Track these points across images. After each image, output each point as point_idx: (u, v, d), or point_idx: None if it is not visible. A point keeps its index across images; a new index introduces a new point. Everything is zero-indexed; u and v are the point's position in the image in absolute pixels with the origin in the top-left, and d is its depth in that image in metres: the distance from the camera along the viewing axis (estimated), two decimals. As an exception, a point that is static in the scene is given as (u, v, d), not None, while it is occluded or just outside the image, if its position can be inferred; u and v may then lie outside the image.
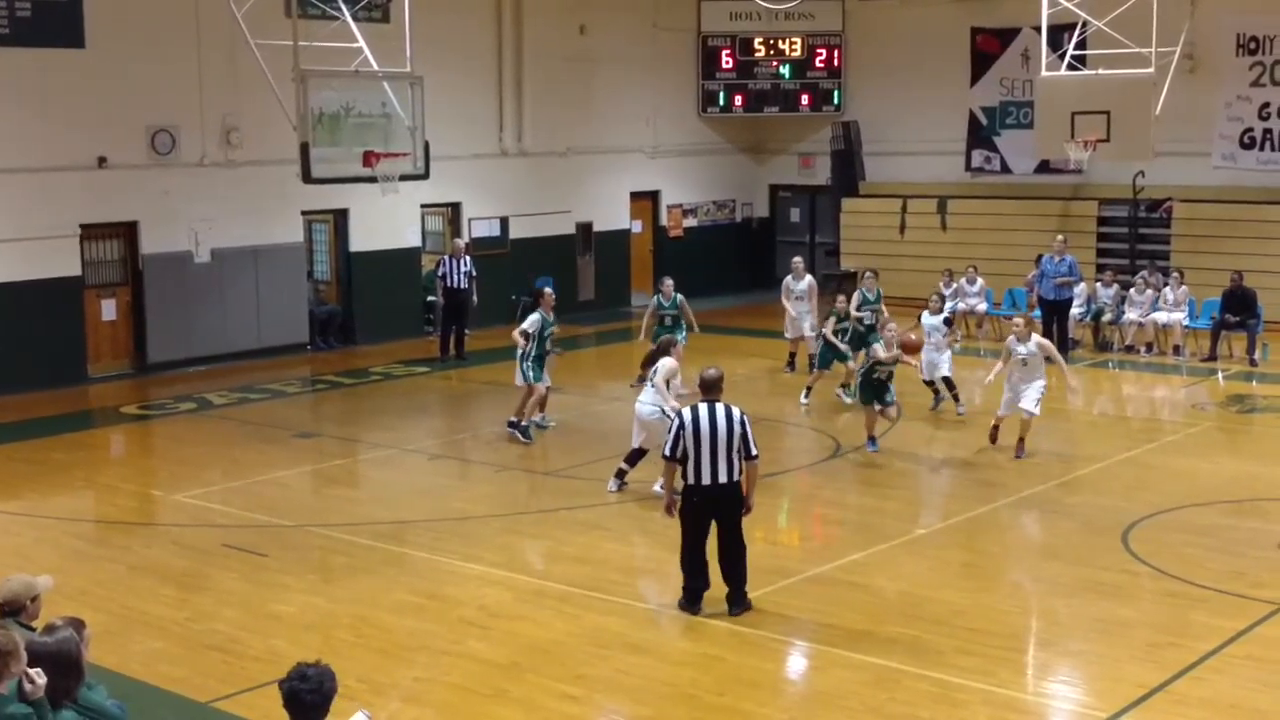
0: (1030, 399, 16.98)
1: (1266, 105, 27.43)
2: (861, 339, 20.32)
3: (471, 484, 17.16)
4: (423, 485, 16.80)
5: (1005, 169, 30.87)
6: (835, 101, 32.83)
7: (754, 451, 11.53)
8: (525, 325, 18.37)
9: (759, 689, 10.49)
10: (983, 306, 26.73)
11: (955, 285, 26.75)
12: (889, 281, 23.47)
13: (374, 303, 26.73)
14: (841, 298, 21.17)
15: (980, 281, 26.79)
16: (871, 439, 17.53)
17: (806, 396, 20.43)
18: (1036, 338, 17.36)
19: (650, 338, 20.92)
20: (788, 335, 23.18)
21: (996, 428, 17.52)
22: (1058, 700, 10.38)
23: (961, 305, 26.32)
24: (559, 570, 13.18)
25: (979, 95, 30.99)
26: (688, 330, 21.19)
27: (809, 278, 23.33)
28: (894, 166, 31.97)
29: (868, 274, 22.02)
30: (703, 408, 11.60)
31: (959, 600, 12.21)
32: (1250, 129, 27.67)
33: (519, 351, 18.39)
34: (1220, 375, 23.09)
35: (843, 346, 20.49)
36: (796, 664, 11.24)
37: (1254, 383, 22.57)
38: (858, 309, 20.94)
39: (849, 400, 19.92)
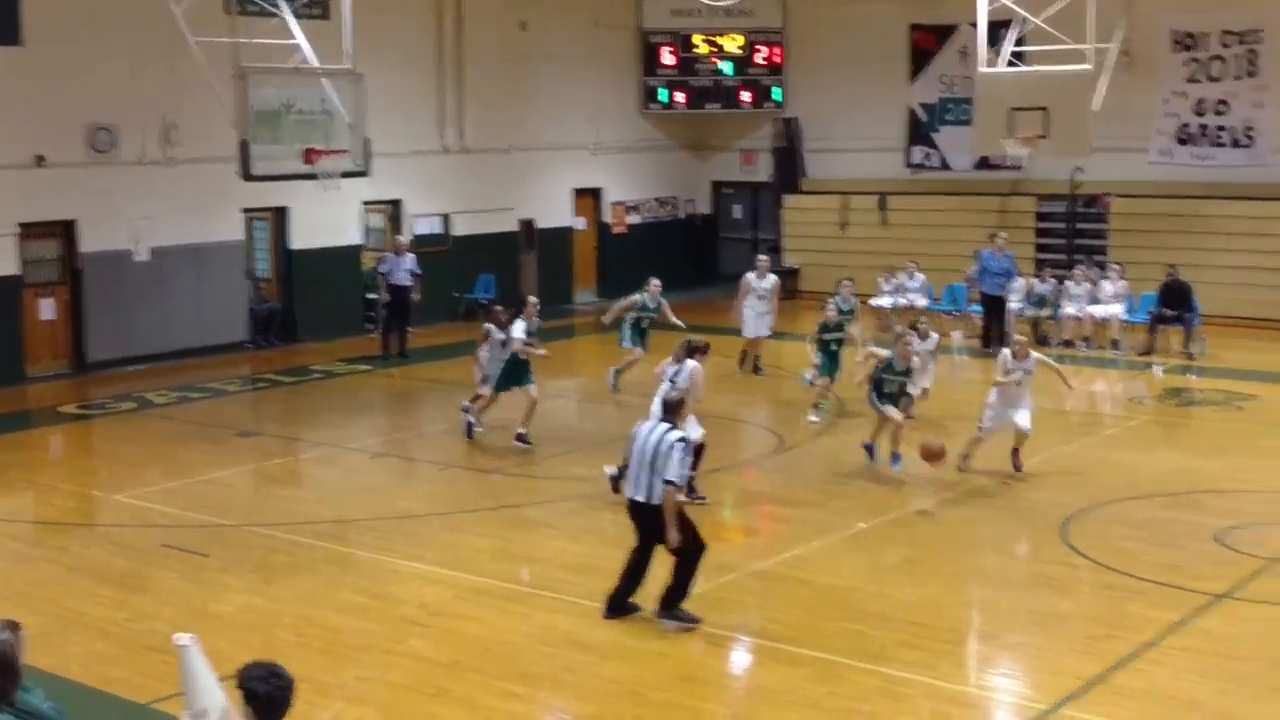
0: (1026, 417, 16.14)
1: (1202, 101, 27.74)
2: (834, 354, 19.54)
3: (415, 482, 17.12)
4: (365, 484, 16.73)
5: (945, 165, 31.05)
6: (776, 98, 32.91)
7: (668, 476, 11.05)
8: (516, 334, 17.82)
9: (703, 685, 10.53)
10: (923, 302, 26.82)
11: (896, 281, 26.93)
12: (829, 278, 23.32)
13: (315, 300, 26.56)
14: (832, 306, 19.99)
15: (920, 277, 26.96)
16: (895, 455, 16.33)
17: (817, 415, 19.31)
18: (1035, 354, 16.50)
19: (614, 325, 21.20)
20: (747, 334, 22.58)
21: (974, 447, 16.38)
22: (998, 693, 10.48)
23: (902, 301, 26.49)
24: (502, 568, 13.17)
25: (918, 92, 31.19)
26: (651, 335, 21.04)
27: (773, 276, 23.00)
28: (835, 163, 32.11)
29: (845, 282, 21.00)
30: (648, 425, 11.54)
31: (901, 595, 12.29)
32: (1186, 124, 27.97)
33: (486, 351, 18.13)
34: (1157, 369, 23.33)
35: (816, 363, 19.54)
36: (740, 659, 11.29)
37: (1191, 376, 22.82)
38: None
39: (816, 420, 19.19)
